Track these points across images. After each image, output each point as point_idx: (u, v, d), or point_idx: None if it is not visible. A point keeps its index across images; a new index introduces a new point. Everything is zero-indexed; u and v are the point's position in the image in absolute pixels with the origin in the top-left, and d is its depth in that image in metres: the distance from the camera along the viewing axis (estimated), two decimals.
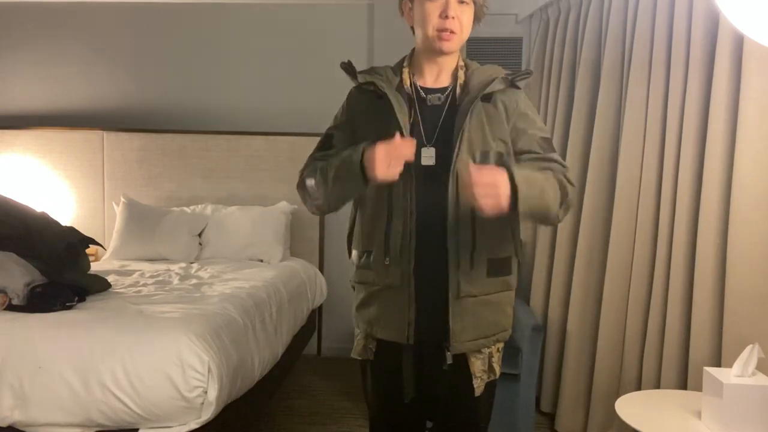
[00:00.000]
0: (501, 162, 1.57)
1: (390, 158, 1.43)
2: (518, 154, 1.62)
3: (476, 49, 3.90)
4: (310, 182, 1.62)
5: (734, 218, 2.19)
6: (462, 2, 1.56)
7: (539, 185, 1.51)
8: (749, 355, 1.92)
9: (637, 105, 2.70)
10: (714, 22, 2.33)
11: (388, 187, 1.56)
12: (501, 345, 1.70)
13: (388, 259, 1.58)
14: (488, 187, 1.40)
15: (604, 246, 2.89)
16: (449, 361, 1.61)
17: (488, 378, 1.68)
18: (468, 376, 1.65)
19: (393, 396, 1.68)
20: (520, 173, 1.45)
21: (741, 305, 2.17)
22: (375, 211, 1.61)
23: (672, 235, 2.49)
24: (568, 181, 1.61)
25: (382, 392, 1.73)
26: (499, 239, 1.62)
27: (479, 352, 1.64)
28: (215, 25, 4.37)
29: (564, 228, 3.19)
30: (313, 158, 1.70)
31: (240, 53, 4.37)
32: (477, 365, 1.65)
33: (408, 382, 1.65)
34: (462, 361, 1.64)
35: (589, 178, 2.98)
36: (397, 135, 1.47)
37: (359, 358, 1.73)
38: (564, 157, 3.23)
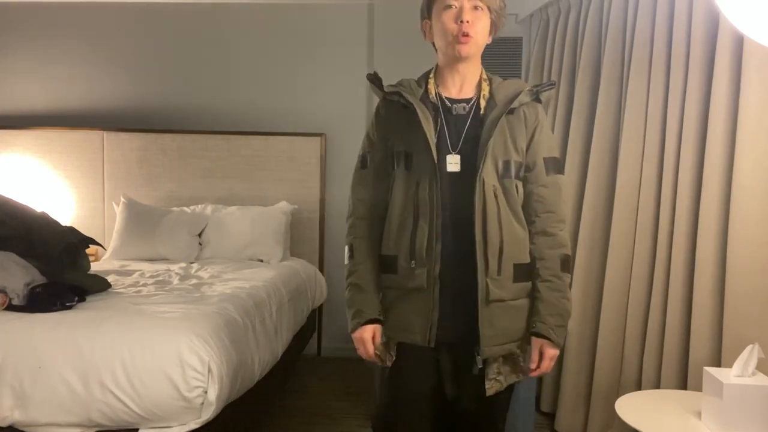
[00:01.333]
0: (518, 175, 1.69)
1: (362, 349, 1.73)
2: (526, 169, 1.72)
3: None
4: (346, 252, 1.79)
5: (734, 218, 2.19)
6: (476, 8, 1.64)
7: (563, 310, 1.69)
8: (749, 355, 1.92)
9: (637, 105, 2.70)
10: (714, 22, 2.33)
11: (415, 192, 1.65)
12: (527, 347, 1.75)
13: (413, 261, 1.64)
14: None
15: (604, 246, 2.89)
16: (480, 365, 1.67)
17: (513, 380, 1.74)
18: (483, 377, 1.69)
19: (410, 398, 1.74)
20: (558, 334, 1.67)
21: (741, 305, 2.17)
22: (401, 216, 1.69)
23: (672, 235, 2.49)
24: (562, 230, 1.73)
25: (401, 394, 1.76)
26: (522, 245, 1.69)
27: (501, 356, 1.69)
28: (215, 25, 4.37)
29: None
30: (354, 195, 1.81)
31: (240, 53, 4.37)
32: (493, 368, 1.69)
33: (447, 380, 1.71)
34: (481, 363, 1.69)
35: (589, 178, 2.98)
36: (370, 347, 1.70)
37: (379, 363, 1.76)
38: (564, 157, 3.23)
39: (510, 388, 1.78)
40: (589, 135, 3.05)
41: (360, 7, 4.29)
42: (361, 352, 1.74)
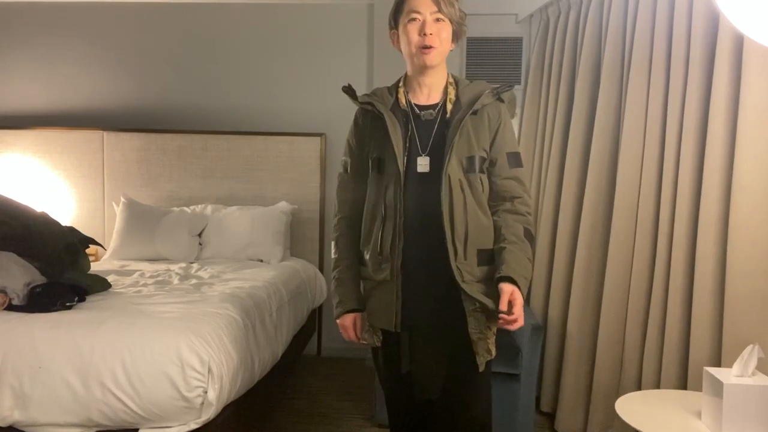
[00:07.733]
0: (482, 169, 1.81)
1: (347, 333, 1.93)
2: (490, 164, 1.84)
3: (476, 49, 3.90)
4: (332, 247, 1.98)
5: (734, 218, 2.19)
6: (438, 20, 1.77)
7: (527, 268, 1.78)
8: (749, 355, 1.92)
9: (637, 105, 2.70)
10: (714, 22, 2.33)
11: (384, 195, 1.81)
12: (494, 328, 1.84)
13: (380, 257, 1.82)
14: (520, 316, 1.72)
15: (604, 246, 2.89)
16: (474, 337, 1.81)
17: (487, 357, 1.84)
18: (470, 354, 1.80)
19: (399, 374, 1.89)
20: (521, 276, 1.72)
21: (741, 305, 2.17)
22: (372, 216, 1.86)
23: (672, 235, 2.49)
24: (528, 212, 1.84)
25: (391, 372, 1.94)
26: (487, 232, 1.82)
27: (481, 333, 1.80)
28: (215, 25, 4.37)
29: (564, 228, 3.19)
30: (339, 197, 1.98)
31: (240, 53, 4.37)
32: (481, 345, 1.81)
33: (405, 359, 1.86)
34: (466, 343, 1.80)
35: (589, 178, 2.98)
36: (351, 333, 1.90)
37: (371, 345, 1.94)
38: (564, 157, 3.24)
39: (488, 372, 1.87)
40: (589, 135, 3.05)
41: (360, 7, 4.29)
42: (344, 336, 1.94)
